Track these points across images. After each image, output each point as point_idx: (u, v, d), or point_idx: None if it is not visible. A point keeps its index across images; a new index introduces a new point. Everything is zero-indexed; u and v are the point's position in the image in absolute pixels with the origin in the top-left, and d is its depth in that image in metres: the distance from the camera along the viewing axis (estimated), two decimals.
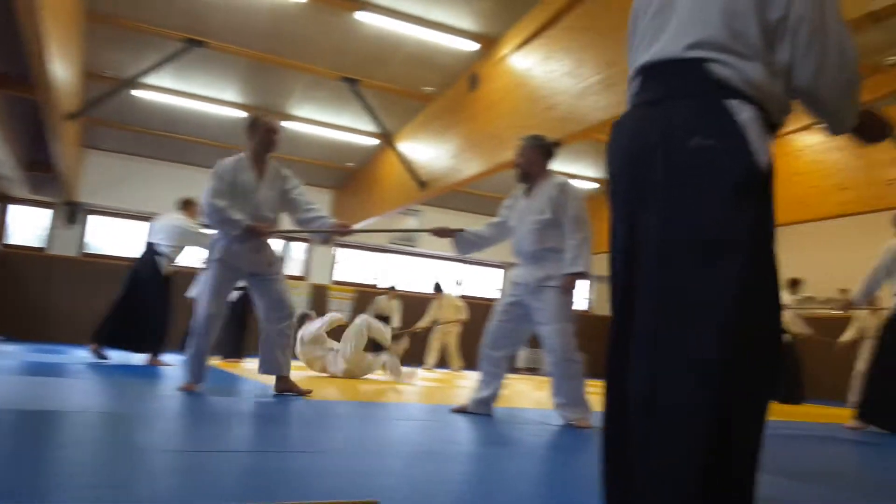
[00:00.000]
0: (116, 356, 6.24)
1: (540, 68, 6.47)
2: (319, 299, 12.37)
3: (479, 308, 10.83)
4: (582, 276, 3.51)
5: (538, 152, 3.72)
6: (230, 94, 9.05)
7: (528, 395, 6.00)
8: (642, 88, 1.58)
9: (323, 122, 9.77)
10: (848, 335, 7.72)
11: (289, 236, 4.20)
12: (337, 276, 12.99)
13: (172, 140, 10.61)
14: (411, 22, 6.91)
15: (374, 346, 7.00)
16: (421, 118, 9.07)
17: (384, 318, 9.66)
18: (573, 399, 3.53)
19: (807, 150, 8.35)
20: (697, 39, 1.48)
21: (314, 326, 6.89)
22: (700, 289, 1.36)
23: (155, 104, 9.37)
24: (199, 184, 11.47)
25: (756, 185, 1.40)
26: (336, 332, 6.89)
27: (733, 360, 1.32)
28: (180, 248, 6.25)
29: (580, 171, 11.27)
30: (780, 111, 1.50)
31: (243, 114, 9.47)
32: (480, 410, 3.73)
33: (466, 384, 6.92)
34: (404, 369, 7.00)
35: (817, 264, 10.07)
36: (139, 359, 6.27)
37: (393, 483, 1.79)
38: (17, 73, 6.17)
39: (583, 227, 3.55)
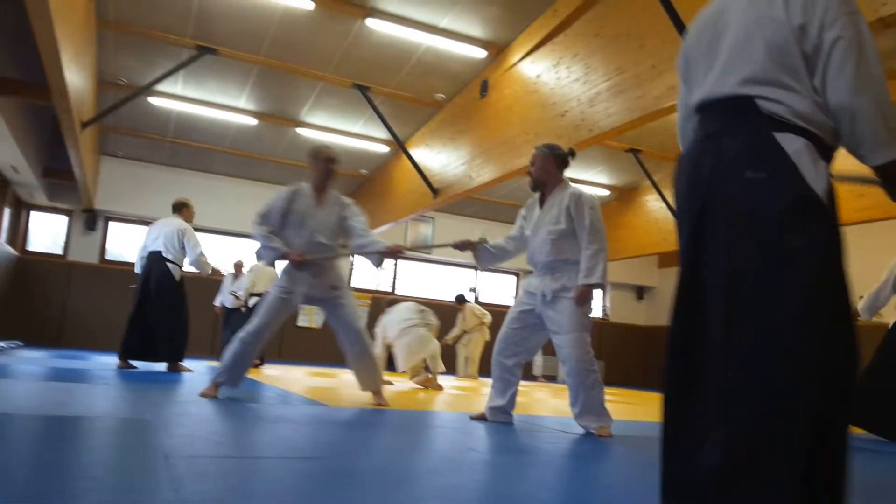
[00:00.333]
0: (142, 364, 6.24)
1: (550, 75, 6.49)
2: None
3: (494, 315, 10.86)
4: (597, 287, 3.50)
5: (552, 161, 3.69)
6: (243, 102, 9.14)
7: (547, 403, 5.99)
8: (700, 125, 1.66)
9: (335, 129, 9.83)
10: None
11: (324, 267, 4.27)
12: (354, 283, 13.04)
13: (187, 147, 10.72)
14: (421, 29, 6.96)
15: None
16: (432, 125, 9.11)
17: None
18: (593, 408, 3.48)
19: None
20: (745, 76, 1.55)
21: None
22: (765, 316, 1.41)
23: (169, 112, 9.49)
24: (214, 190, 11.59)
25: (813, 211, 1.44)
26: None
27: (806, 380, 1.36)
28: (182, 252, 6.21)
29: (592, 178, 11.27)
30: (832, 136, 1.54)
31: (256, 121, 9.57)
32: (499, 419, 3.69)
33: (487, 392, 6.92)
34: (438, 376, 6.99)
35: None
36: (161, 366, 6.28)
37: (413, 489, 1.82)
38: (34, 80, 6.27)
39: (598, 237, 3.51)
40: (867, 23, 1.54)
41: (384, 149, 10.42)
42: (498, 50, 7.34)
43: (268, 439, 2.61)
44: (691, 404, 1.50)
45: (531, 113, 6.74)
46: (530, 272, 3.80)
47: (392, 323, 6.96)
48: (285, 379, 6.47)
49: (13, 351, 7.93)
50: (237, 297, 8.53)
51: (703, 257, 1.55)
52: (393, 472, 2.08)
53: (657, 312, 14.76)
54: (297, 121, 9.62)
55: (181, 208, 6.38)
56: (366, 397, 4.51)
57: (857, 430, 4.59)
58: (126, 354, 6.02)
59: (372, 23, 6.85)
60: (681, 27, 4.63)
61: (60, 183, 10.00)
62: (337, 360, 12.26)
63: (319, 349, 11.94)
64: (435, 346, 6.87)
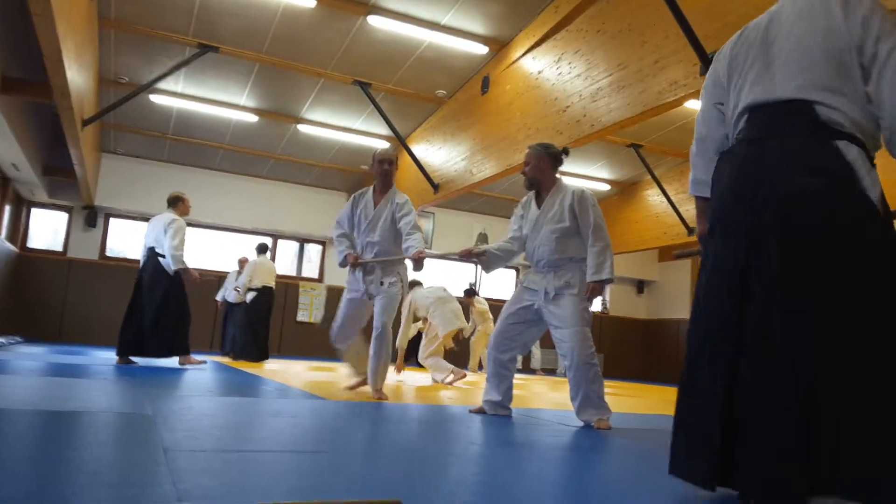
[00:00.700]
0: (146, 360, 6.23)
1: (551, 71, 6.48)
2: (336, 301, 12.41)
3: (494, 310, 10.86)
4: (608, 282, 3.54)
5: (546, 160, 3.70)
6: (244, 99, 9.13)
7: (546, 397, 6.00)
8: (748, 126, 1.69)
9: (336, 125, 9.83)
10: None
11: (378, 264, 4.38)
12: None
13: (187, 144, 10.72)
14: (422, 26, 6.95)
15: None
16: (433, 121, 9.11)
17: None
18: (593, 401, 3.52)
19: None
20: (803, 81, 1.60)
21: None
22: (831, 323, 1.46)
23: (170, 109, 9.48)
24: (214, 187, 11.58)
25: (873, 217, 1.50)
26: None
27: (886, 378, 1.41)
28: (179, 246, 6.07)
29: (593, 173, 11.26)
30: (875, 147, 1.61)
31: (256, 118, 9.56)
32: (498, 412, 3.72)
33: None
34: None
35: None
36: (167, 361, 6.26)
37: (414, 482, 1.82)
38: (35, 78, 6.27)
39: (603, 234, 3.56)
40: None
41: (385, 145, 10.41)
42: (499, 46, 7.33)
43: (268, 433, 2.62)
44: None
45: (532, 108, 6.74)
46: (529, 271, 3.81)
47: (424, 295, 7.25)
48: (285, 373, 6.49)
49: (13, 347, 7.95)
50: (238, 292, 8.55)
51: (754, 258, 1.58)
52: (392, 466, 2.08)
53: (657, 306, 14.78)
54: (298, 117, 9.61)
55: (176, 202, 6.35)
56: (365, 391, 4.52)
57: None
58: (120, 350, 6.03)
59: (373, 20, 6.84)
60: (683, 22, 4.62)
61: (61, 180, 10.01)
62: (335, 355, 12.30)
63: (319, 344, 11.95)
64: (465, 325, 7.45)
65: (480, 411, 3.76)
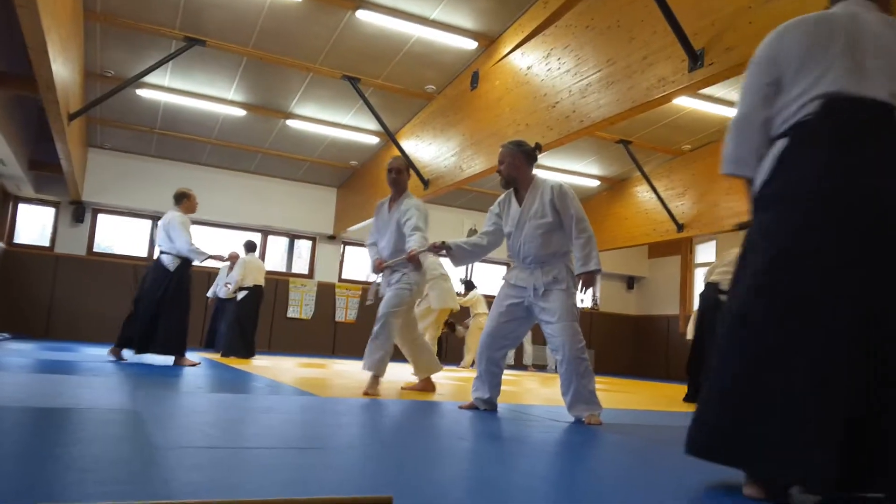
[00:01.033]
0: (139, 357, 6.21)
1: (540, 66, 6.49)
2: (326, 297, 12.42)
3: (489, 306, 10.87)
4: (597, 272, 3.56)
5: (521, 157, 3.74)
6: (232, 93, 9.08)
7: (537, 392, 6.03)
8: (828, 114, 1.75)
9: (325, 120, 9.80)
10: None
11: (393, 266, 4.47)
12: (345, 274, 13.01)
13: (175, 139, 10.65)
14: (411, 20, 6.93)
15: None
16: (423, 116, 9.09)
17: None
18: (584, 396, 3.54)
19: None
20: (894, 89, 1.73)
21: None
22: None
23: (157, 103, 9.42)
24: (202, 182, 11.54)
25: None
26: None
27: None
28: (189, 240, 6.11)
29: (583, 169, 11.29)
30: None
31: (244, 112, 9.51)
32: (487, 408, 3.77)
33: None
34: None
35: None
36: (163, 359, 6.23)
37: (406, 478, 1.83)
38: (20, 72, 6.21)
39: (585, 225, 3.59)
40: None
41: (374, 140, 10.40)
42: (489, 42, 7.33)
43: (259, 430, 2.61)
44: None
45: (522, 104, 6.74)
46: (514, 268, 3.84)
47: (428, 265, 7.20)
48: (275, 369, 6.48)
49: (0, 343, 7.88)
50: (229, 288, 8.55)
51: (830, 255, 1.64)
52: (383, 462, 2.08)
53: (647, 302, 14.85)
54: (286, 112, 9.57)
55: (181, 199, 6.32)
56: (356, 387, 4.52)
57: None
58: (119, 343, 6.07)
59: (362, 14, 6.81)
60: (671, 19, 4.63)
61: (47, 175, 9.94)
62: (326, 351, 12.31)
63: (309, 340, 11.94)
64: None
65: (471, 407, 3.79)
